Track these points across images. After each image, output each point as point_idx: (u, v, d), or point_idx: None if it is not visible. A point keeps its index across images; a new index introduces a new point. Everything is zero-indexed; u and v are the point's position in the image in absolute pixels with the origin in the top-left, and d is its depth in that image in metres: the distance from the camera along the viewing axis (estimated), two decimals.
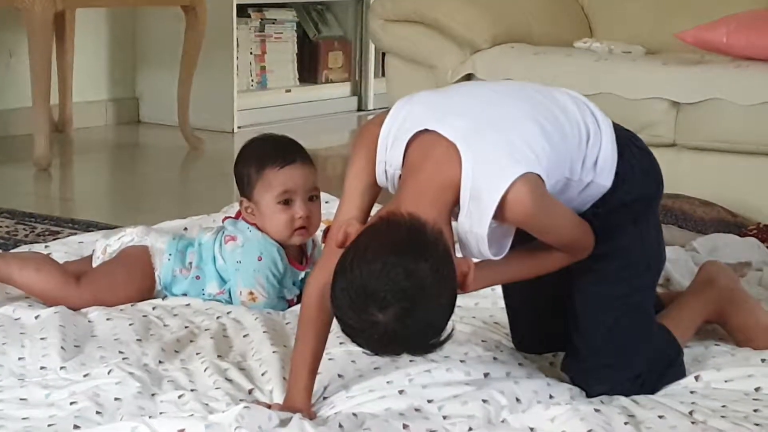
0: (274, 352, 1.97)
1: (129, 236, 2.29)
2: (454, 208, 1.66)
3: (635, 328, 1.86)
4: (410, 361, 1.90)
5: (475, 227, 1.65)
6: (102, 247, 2.29)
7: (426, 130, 1.68)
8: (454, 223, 1.68)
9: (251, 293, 2.22)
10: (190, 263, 2.26)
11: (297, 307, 2.21)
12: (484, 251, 1.67)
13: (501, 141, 1.66)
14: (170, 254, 2.26)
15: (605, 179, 1.78)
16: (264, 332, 2.06)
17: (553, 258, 1.78)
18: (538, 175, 1.65)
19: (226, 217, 2.34)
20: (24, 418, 1.68)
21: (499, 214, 1.64)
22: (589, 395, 1.85)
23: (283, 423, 1.63)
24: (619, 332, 1.84)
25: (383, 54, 4.02)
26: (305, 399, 1.73)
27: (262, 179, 2.22)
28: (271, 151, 2.24)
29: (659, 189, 1.91)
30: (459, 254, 1.67)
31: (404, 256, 1.53)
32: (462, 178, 1.63)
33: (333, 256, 1.61)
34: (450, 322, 1.58)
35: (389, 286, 1.51)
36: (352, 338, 1.57)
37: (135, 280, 2.24)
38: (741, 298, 2.09)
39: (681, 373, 1.91)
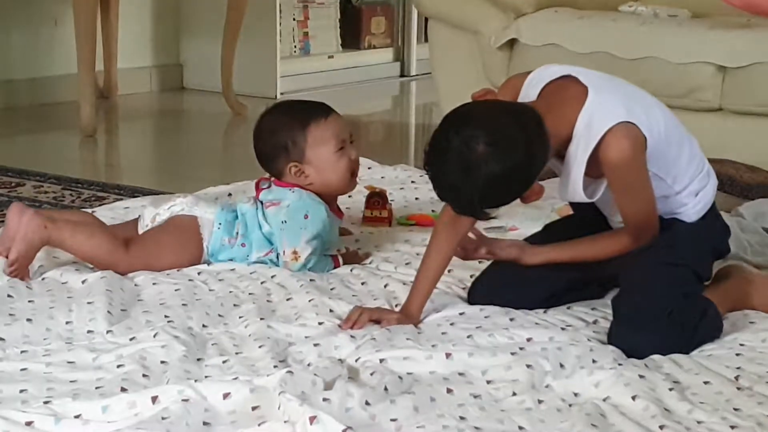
0: (317, 315, 1.98)
1: (179, 206, 2.29)
2: (560, 148, 1.87)
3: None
4: (451, 324, 1.91)
5: (580, 155, 1.86)
6: (151, 215, 2.30)
7: (566, 76, 1.91)
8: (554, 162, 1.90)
9: (295, 252, 2.23)
10: (237, 232, 2.28)
11: (342, 271, 2.23)
12: (578, 186, 1.88)
13: (624, 101, 1.89)
14: (220, 223, 2.27)
15: (694, 213, 1.98)
16: (309, 299, 2.07)
17: (615, 240, 1.95)
18: (645, 138, 1.85)
19: (259, 185, 2.34)
20: (72, 381, 1.70)
21: (600, 150, 1.84)
22: (630, 350, 1.84)
23: (328, 386, 1.64)
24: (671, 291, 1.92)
25: (426, 19, 3.99)
26: (417, 311, 1.97)
27: (312, 136, 2.25)
28: (303, 110, 2.29)
29: (724, 252, 2.09)
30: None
31: (517, 120, 1.78)
32: (581, 111, 1.86)
33: None
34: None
35: (490, 123, 1.76)
36: (431, 159, 1.78)
37: (184, 249, 2.26)
38: (761, 280, 2.10)
39: (717, 323, 1.94)
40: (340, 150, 2.26)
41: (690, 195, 1.98)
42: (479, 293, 2.07)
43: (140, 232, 2.30)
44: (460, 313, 2.01)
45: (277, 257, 2.27)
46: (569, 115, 1.86)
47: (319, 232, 2.25)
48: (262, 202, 2.29)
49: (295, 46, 5.21)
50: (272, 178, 2.32)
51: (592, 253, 1.98)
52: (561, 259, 2.01)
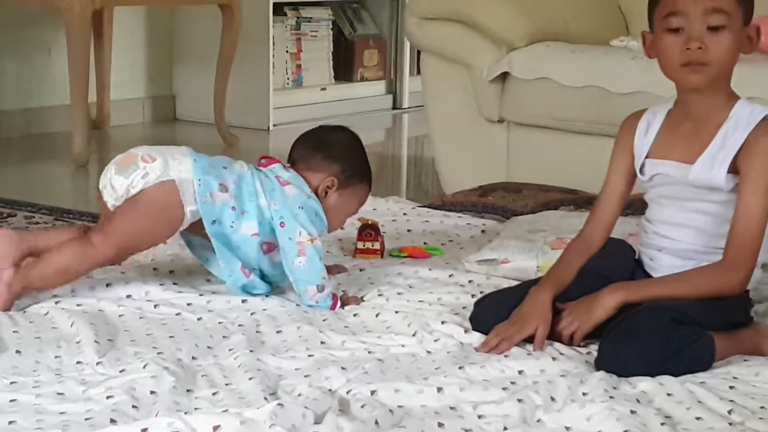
0: (307, 349, 1.98)
1: (152, 173, 2.15)
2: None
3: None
4: (447, 353, 1.90)
5: (739, 131, 1.98)
6: (124, 187, 2.15)
7: None
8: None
9: (311, 235, 2.22)
10: (222, 185, 2.19)
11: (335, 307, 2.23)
12: (724, 165, 1.97)
13: None
14: (198, 179, 2.17)
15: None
16: (298, 329, 2.07)
17: (706, 273, 1.98)
18: None
19: (265, 158, 2.33)
20: (61, 413, 1.69)
21: (756, 131, 1.96)
22: (617, 366, 1.86)
23: (318, 420, 1.64)
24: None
25: (419, 52, 4.01)
26: (542, 309, 1.99)
27: (359, 190, 2.36)
28: (369, 168, 2.39)
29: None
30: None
31: None
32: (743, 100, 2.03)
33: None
34: None
35: None
36: None
37: (161, 227, 2.18)
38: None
39: (708, 349, 1.93)
40: (354, 213, 2.41)
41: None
42: (481, 319, 2.07)
43: (111, 204, 2.17)
44: (461, 343, 2.02)
45: (265, 236, 2.22)
46: (731, 95, 2.02)
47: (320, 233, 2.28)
48: (264, 174, 2.26)
49: (288, 78, 5.23)
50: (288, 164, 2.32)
51: (687, 289, 1.97)
52: (660, 296, 1.98)
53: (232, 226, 2.21)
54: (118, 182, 2.17)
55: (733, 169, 1.98)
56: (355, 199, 2.36)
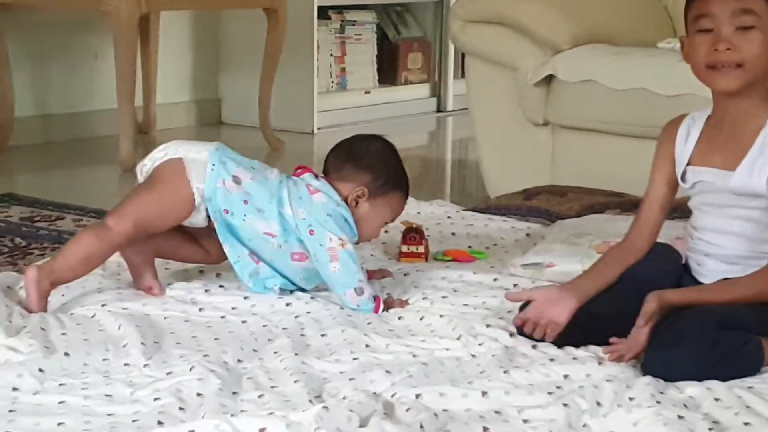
0: (351, 352, 1.98)
1: (161, 151, 2.23)
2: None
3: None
4: (492, 356, 1.89)
5: None
6: (140, 168, 2.25)
7: None
8: None
9: (341, 239, 2.23)
10: (236, 177, 2.22)
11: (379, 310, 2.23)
12: (765, 170, 1.95)
13: None
14: (213, 164, 2.21)
15: None
16: (342, 332, 2.07)
17: (748, 287, 1.95)
18: None
19: (300, 168, 2.34)
20: (109, 414, 1.71)
21: None
22: (663, 370, 1.85)
23: (363, 423, 1.64)
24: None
25: (463, 55, 4.01)
26: (579, 296, 2.00)
27: (392, 197, 2.34)
28: (405, 175, 2.37)
29: None
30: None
31: None
32: None
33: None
34: None
35: None
36: None
37: (170, 201, 2.20)
38: None
39: (757, 354, 1.91)
40: (389, 222, 2.38)
41: None
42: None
43: (140, 173, 2.27)
44: (506, 347, 2.02)
45: (280, 239, 2.23)
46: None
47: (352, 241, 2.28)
48: (293, 182, 2.27)
49: (332, 82, 5.25)
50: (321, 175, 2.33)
51: (742, 295, 1.96)
52: (702, 301, 1.96)
53: (244, 219, 2.23)
54: (138, 168, 2.28)
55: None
56: (388, 208, 2.35)
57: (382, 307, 2.24)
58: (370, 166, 2.32)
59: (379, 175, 2.32)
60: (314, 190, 2.27)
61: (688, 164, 2.06)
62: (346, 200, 2.29)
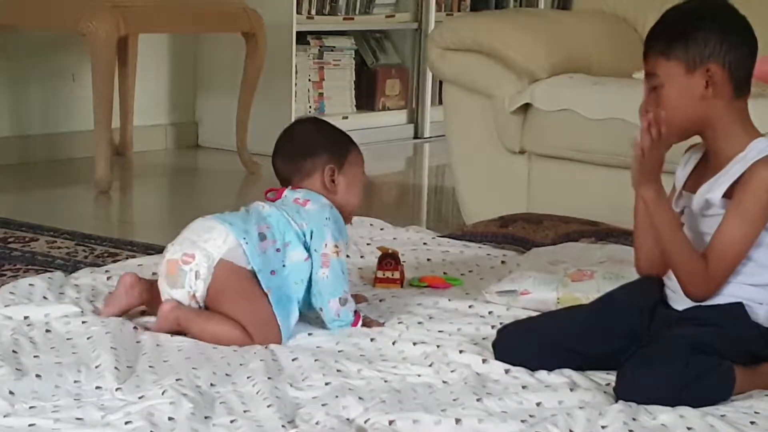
0: (324, 375, 1.98)
1: (201, 268, 2.18)
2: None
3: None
4: (465, 384, 1.89)
5: (748, 160, 1.98)
6: (188, 296, 2.19)
7: None
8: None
9: (336, 246, 2.24)
10: (262, 234, 2.22)
11: (351, 329, 2.22)
12: (723, 188, 1.98)
13: None
14: (244, 238, 2.19)
15: (764, 314, 1.99)
16: (313, 356, 2.07)
17: (696, 256, 1.98)
18: None
19: (267, 195, 2.35)
20: None
21: (754, 165, 1.97)
22: (635, 391, 1.86)
23: None
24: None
25: (440, 82, 4.02)
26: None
27: (353, 154, 2.36)
28: (343, 132, 2.40)
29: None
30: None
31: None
32: (756, 140, 2.01)
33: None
34: None
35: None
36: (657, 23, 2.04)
37: (255, 292, 2.18)
38: None
39: (728, 378, 1.92)
40: (363, 181, 2.39)
41: None
42: (505, 348, 2.08)
43: (190, 300, 2.19)
44: (477, 374, 2.01)
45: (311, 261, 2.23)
46: (749, 132, 2.02)
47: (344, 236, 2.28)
48: (282, 203, 2.28)
49: (310, 106, 5.25)
50: (288, 187, 2.33)
51: (676, 247, 1.99)
52: (661, 221, 1.99)
53: (284, 266, 2.22)
54: (179, 295, 2.20)
55: (730, 195, 1.99)
56: (356, 167, 2.37)
57: (360, 322, 2.25)
58: (319, 146, 2.34)
59: (331, 148, 2.34)
60: (303, 201, 2.29)
61: (682, 189, 2.10)
62: (326, 188, 2.30)
